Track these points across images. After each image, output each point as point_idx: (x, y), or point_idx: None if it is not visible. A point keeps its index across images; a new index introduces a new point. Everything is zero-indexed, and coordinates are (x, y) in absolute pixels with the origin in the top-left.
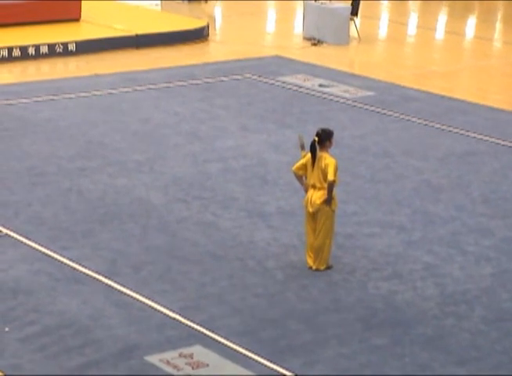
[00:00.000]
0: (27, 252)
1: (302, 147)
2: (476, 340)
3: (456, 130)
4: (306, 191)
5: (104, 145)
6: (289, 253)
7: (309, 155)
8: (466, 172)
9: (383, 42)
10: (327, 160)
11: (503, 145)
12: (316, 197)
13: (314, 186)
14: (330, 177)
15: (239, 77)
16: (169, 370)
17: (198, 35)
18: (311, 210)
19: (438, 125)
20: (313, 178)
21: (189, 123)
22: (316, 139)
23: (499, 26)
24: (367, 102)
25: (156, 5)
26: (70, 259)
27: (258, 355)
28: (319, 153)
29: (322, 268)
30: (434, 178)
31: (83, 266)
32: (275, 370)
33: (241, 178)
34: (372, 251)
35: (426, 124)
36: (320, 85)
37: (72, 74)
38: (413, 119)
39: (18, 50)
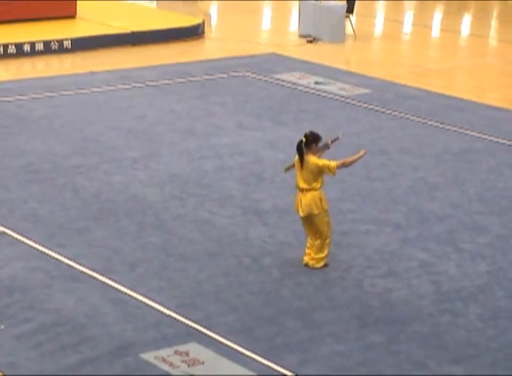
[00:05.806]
0: (22, 249)
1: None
2: (472, 337)
3: (452, 128)
4: None
5: (100, 142)
6: (285, 250)
7: (297, 158)
8: (462, 170)
9: (379, 40)
10: (312, 159)
11: (499, 143)
12: (305, 200)
13: (302, 190)
14: (330, 165)
15: (234, 74)
16: (165, 367)
17: (194, 33)
18: (302, 214)
19: (434, 123)
20: (301, 181)
21: (185, 120)
22: (304, 140)
23: (494, 24)
24: (363, 100)
25: (151, 2)
26: (66, 257)
27: (254, 352)
28: (305, 155)
29: (318, 266)
30: (429, 176)
31: (79, 264)
32: (271, 368)
33: (237, 175)
34: (367, 248)
35: (422, 122)
36: (316, 83)
37: (67, 72)
38: (409, 117)
39: (13, 47)
